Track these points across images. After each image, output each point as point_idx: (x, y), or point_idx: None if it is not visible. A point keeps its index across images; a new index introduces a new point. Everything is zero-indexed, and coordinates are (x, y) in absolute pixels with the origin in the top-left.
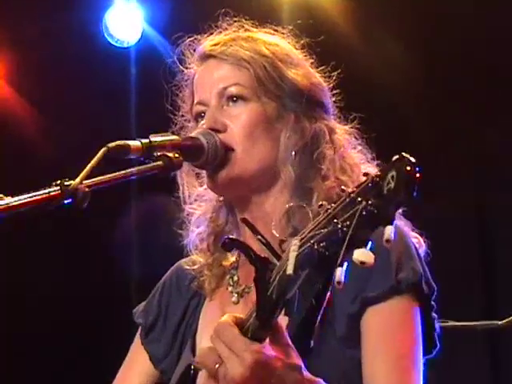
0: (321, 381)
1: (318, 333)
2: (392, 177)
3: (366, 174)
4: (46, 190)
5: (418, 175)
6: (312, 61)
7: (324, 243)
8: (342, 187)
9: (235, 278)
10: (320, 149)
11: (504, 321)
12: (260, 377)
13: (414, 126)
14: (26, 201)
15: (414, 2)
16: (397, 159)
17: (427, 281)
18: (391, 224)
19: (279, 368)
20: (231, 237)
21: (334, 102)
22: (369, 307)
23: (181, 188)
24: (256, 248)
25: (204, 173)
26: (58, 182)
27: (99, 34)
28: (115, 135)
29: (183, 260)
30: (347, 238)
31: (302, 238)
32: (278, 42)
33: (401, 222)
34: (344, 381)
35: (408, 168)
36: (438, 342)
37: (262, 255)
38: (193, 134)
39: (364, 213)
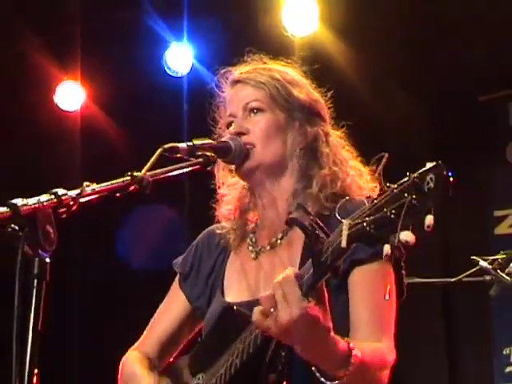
0: (342, 342)
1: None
2: (431, 179)
3: (408, 176)
4: (121, 179)
5: (452, 179)
6: (314, 85)
7: (373, 225)
8: (388, 184)
9: (253, 240)
10: (318, 147)
11: (455, 278)
12: (300, 328)
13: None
14: (106, 187)
15: (418, 54)
16: (434, 165)
17: (399, 248)
18: (430, 214)
19: (316, 327)
20: (292, 216)
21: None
22: (356, 267)
23: (217, 178)
24: (273, 213)
25: (233, 166)
26: (129, 173)
27: (161, 67)
28: (171, 140)
29: (214, 226)
30: (399, 223)
31: (353, 221)
32: (287, 70)
33: None
34: (338, 323)
35: (445, 173)
36: (405, 292)
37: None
38: (223, 139)
39: (409, 205)
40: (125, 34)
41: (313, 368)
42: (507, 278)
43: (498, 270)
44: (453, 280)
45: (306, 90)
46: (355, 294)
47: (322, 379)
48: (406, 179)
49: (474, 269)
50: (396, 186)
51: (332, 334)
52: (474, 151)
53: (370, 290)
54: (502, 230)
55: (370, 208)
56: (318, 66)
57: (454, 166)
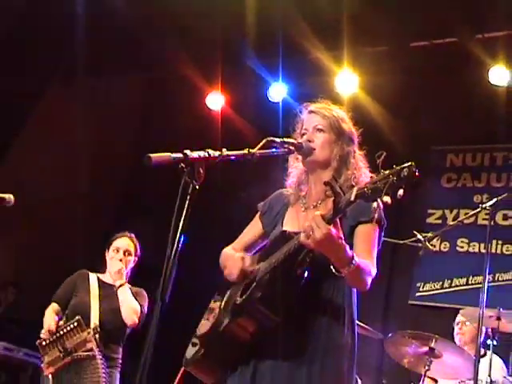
0: (349, 251)
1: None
2: (406, 170)
3: (392, 167)
4: (242, 151)
5: (417, 173)
6: (353, 122)
7: (370, 191)
8: (382, 170)
9: (304, 201)
10: (348, 158)
11: (402, 242)
12: (327, 239)
13: None
14: (233, 153)
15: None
16: (409, 165)
17: (384, 220)
18: (402, 188)
19: (335, 237)
20: (327, 180)
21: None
22: (359, 225)
23: (289, 162)
24: (318, 188)
25: (300, 157)
26: (247, 148)
27: (267, 96)
28: (271, 136)
29: (283, 189)
30: (384, 191)
31: (359, 188)
32: (340, 111)
33: None
34: None
35: (414, 169)
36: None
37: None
38: (299, 140)
39: (391, 183)
40: (241, 72)
41: (331, 266)
42: (430, 247)
43: (426, 242)
44: (401, 242)
45: (348, 125)
46: (357, 238)
47: (334, 271)
48: (393, 169)
49: (413, 238)
50: (387, 171)
51: (344, 242)
52: (425, 177)
53: (366, 237)
54: (431, 220)
55: (371, 182)
56: (357, 114)
57: (414, 183)
